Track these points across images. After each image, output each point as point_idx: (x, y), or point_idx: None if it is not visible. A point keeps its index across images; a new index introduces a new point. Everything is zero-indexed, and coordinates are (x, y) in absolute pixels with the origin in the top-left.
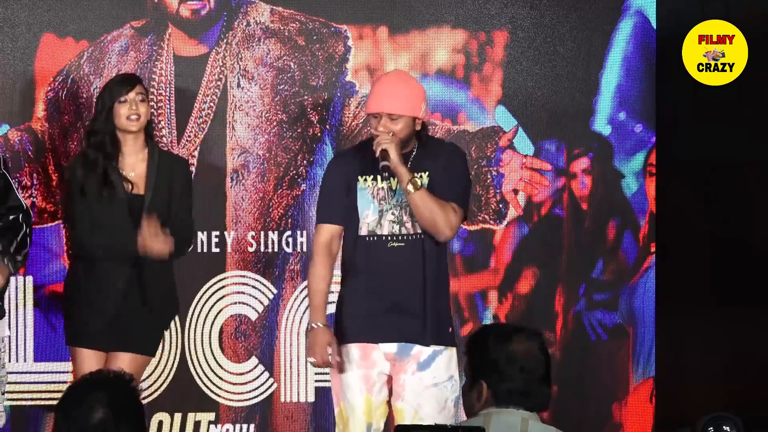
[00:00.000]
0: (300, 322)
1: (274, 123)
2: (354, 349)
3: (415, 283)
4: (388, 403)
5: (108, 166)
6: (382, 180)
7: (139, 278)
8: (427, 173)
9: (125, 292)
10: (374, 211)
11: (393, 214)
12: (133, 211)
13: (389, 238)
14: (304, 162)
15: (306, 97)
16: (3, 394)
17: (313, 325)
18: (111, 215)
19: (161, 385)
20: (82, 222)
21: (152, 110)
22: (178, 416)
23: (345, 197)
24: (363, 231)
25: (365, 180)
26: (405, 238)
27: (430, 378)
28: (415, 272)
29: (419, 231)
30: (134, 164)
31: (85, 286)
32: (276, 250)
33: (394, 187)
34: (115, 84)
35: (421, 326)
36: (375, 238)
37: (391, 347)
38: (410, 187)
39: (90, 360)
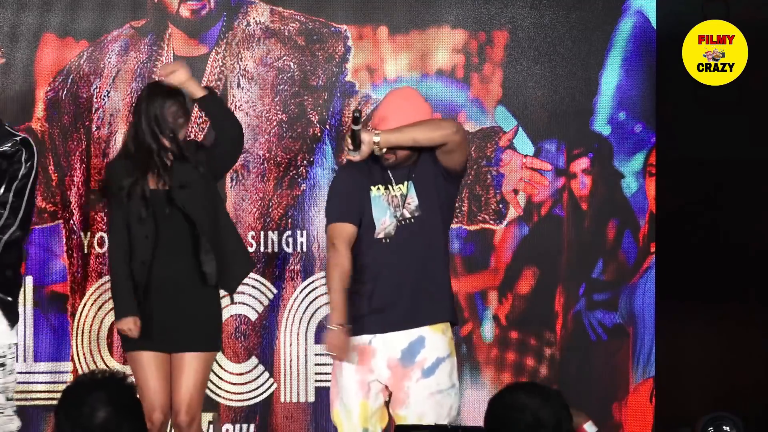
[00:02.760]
0: (300, 322)
1: (274, 123)
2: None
3: (420, 268)
4: (386, 410)
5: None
6: (395, 188)
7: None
8: (414, 174)
9: (176, 287)
10: (390, 217)
11: (403, 215)
12: (160, 206)
13: (399, 239)
14: (304, 162)
15: (306, 97)
16: (9, 399)
17: (336, 326)
18: (139, 209)
19: None
20: (117, 221)
21: None
22: None
23: (358, 202)
24: (381, 235)
25: (378, 189)
26: (409, 221)
27: (435, 385)
28: (418, 257)
29: (416, 214)
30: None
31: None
32: (276, 250)
33: (405, 193)
34: (157, 98)
35: (433, 306)
36: (390, 240)
37: (395, 352)
38: (376, 147)
39: (154, 364)
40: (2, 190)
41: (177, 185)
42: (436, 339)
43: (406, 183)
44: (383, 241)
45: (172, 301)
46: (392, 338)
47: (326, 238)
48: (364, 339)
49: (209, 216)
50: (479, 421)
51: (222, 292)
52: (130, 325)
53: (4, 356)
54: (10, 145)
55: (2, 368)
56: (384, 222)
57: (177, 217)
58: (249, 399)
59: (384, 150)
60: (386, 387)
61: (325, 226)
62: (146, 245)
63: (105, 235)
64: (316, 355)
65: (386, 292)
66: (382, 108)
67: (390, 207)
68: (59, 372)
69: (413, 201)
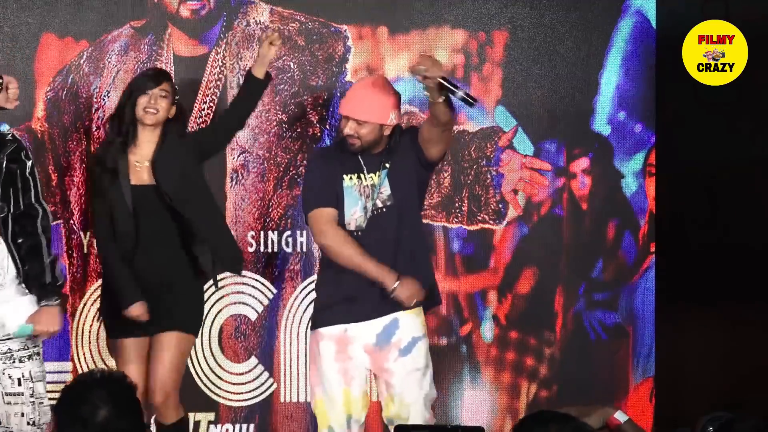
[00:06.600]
0: (300, 322)
1: (274, 123)
2: (329, 344)
3: (390, 256)
4: (369, 397)
5: (119, 154)
6: (366, 177)
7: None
8: (388, 164)
9: (152, 280)
10: (361, 208)
11: (375, 205)
12: (143, 201)
13: (371, 229)
14: (304, 162)
15: (306, 97)
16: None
17: (397, 282)
18: (122, 204)
19: None
20: (101, 213)
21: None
22: None
23: (333, 188)
24: (351, 227)
25: (351, 178)
26: (380, 211)
27: (412, 363)
28: (389, 246)
29: (388, 203)
30: (148, 154)
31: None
32: (276, 250)
33: (376, 183)
34: (143, 77)
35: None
36: (361, 233)
37: (370, 338)
38: (441, 98)
39: (134, 349)
40: (28, 193)
41: (162, 180)
42: (409, 319)
43: (378, 172)
44: (355, 233)
45: (155, 293)
46: (367, 325)
47: (311, 229)
48: (339, 328)
49: (195, 210)
50: (479, 421)
51: (227, 290)
52: (140, 311)
53: (40, 345)
54: (9, 147)
55: (38, 357)
56: (354, 212)
57: (162, 211)
58: (249, 399)
59: (439, 94)
60: (370, 371)
61: (305, 219)
62: (128, 239)
63: None
64: None
65: (356, 281)
66: (350, 94)
67: (361, 198)
68: (59, 372)
69: (386, 190)
